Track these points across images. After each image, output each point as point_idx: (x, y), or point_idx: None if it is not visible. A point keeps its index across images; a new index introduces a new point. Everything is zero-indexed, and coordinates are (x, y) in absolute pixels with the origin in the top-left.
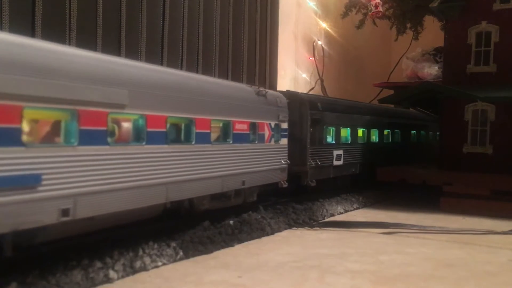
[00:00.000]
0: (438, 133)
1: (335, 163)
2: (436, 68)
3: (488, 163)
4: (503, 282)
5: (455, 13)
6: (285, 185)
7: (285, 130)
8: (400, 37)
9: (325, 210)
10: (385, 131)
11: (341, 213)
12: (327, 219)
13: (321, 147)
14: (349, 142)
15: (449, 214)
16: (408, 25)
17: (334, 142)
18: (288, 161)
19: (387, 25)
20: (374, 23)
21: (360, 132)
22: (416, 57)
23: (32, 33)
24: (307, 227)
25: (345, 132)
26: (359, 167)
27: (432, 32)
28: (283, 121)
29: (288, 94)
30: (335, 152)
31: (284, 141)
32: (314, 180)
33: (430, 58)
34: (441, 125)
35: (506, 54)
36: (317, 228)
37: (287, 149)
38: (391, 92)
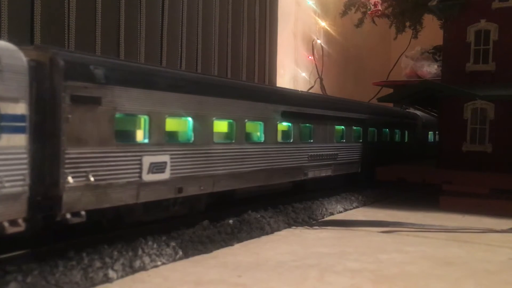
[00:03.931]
0: (386, 129)
1: (149, 177)
2: (435, 66)
3: (487, 162)
4: (502, 281)
5: (454, 11)
6: (20, 227)
7: (15, 118)
8: (399, 35)
9: (324, 209)
10: (282, 126)
11: (341, 212)
12: (326, 218)
13: (106, 150)
14: (191, 141)
15: (448, 212)
16: (407, 24)
17: (148, 141)
18: (29, 181)
19: (386, 23)
20: (373, 22)
21: (222, 125)
22: (415, 55)
23: (31, 32)
24: (306, 226)
25: (182, 125)
26: (217, 182)
27: (431, 30)
28: (7, 100)
29: (36, 50)
30: (148, 159)
31: (15, 141)
32: (82, 213)
33: (429, 56)
34: (441, 124)
35: (505, 52)
36: (317, 227)
37: (25, 156)
38: (391, 90)
